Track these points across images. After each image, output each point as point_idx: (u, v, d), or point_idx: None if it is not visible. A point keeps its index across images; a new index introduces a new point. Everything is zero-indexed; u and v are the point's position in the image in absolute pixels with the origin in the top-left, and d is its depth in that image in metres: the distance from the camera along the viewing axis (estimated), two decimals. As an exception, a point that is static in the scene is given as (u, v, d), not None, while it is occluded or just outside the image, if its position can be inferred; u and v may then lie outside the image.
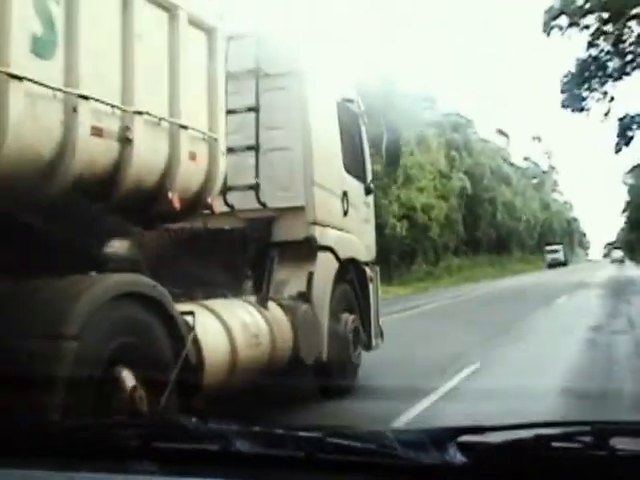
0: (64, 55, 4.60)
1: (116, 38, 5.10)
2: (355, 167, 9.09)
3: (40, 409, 4.14)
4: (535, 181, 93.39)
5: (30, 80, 4.31)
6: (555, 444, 1.75)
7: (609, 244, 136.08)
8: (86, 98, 4.71)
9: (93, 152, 4.82)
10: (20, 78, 4.24)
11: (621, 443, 1.73)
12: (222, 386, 6.07)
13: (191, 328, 5.56)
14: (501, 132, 79.83)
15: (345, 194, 8.68)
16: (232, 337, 6.23)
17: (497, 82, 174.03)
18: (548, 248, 75.78)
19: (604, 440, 1.73)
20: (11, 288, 4.64)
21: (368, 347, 8.85)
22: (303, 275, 7.86)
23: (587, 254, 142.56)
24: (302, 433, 1.95)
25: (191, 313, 5.63)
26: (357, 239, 8.87)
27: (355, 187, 9.05)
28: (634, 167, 59.67)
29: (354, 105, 9.34)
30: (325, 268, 8.03)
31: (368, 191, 9.46)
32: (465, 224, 51.49)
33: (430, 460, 1.74)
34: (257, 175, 7.91)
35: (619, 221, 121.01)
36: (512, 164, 77.94)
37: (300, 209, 7.96)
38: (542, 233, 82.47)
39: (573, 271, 55.58)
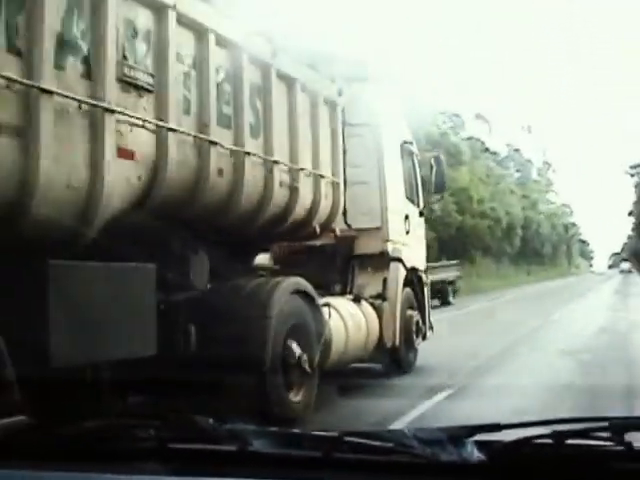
0: (264, 135, 7.07)
1: (286, 117, 7.56)
2: (412, 195, 11.56)
3: (254, 361, 6.60)
4: (516, 174, 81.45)
5: (254, 155, 6.79)
6: (571, 441, 1.76)
7: (615, 254, 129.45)
8: (277, 163, 7.20)
9: (278, 198, 7.29)
10: (248, 153, 6.71)
11: (638, 439, 1.73)
12: (338, 360, 8.52)
13: (328, 316, 8.04)
14: (480, 116, 68.07)
15: (407, 217, 11.15)
16: (346, 324, 8.70)
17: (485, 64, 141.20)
18: None
19: (621, 436, 1.72)
20: (224, 284, 7.08)
21: (424, 337, 11.31)
22: (379, 280, 10.31)
23: (591, 265, 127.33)
24: (319, 433, 1.96)
25: (327, 305, 8.11)
26: (416, 252, 11.34)
27: (413, 211, 11.52)
28: None
29: (411, 145, 11.81)
30: (396, 275, 10.48)
31: (421, 214, 11.93)
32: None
33: (447, 458, 1.77)
34: (345, 203, 10.34)
35: (626, 228, 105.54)
36: (487, 149, 66.39)
37: (377, 229, 10.41)
38: (525, 238, 65.86)
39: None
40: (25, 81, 4.42)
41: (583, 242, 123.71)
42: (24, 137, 4.41)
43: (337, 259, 10.16)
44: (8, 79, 4.32)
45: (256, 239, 7.64)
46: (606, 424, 1.78)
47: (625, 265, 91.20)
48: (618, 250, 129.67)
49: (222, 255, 6.89)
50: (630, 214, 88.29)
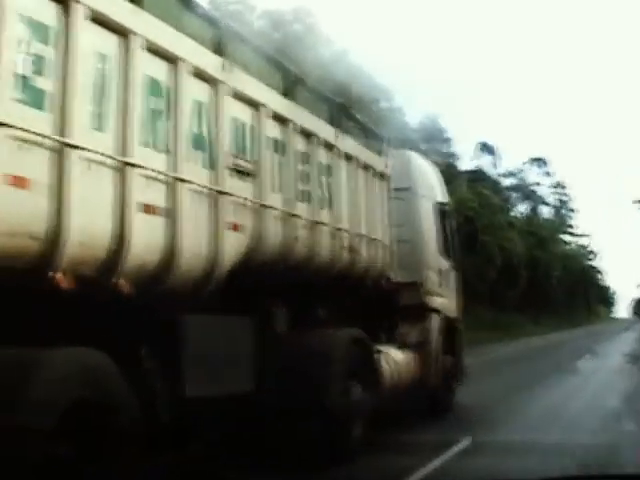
0: (332, 207, 8.38)
1: (347, 190, 8.88)
2: (446, 251, 12.84)
3: (320, 401, 7.83)
4: (522, 208, 74.58)
5: (325, 224, 8.09)
6: None
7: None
8: (341, 230, 8.52)
9: (341, 259, 8.59)
10: (320, 223, 8.02)
11: None
12: (388, 399, 9.75)
13: (380, 361, 9.30)
14: (485, 147, 67.48)
15: (442, 271, 12.43)
16: (394, 368, 9.96)
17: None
18: None
19: None
20: (297, 333, 8.34)
21: (460, 381, 12.53)
22: (420, 329, 11.56)
23: (611, 311, 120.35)
24: None
25: (379, 351, 9.37)
26: (451, 303, 12.60)
27: (447, 265, 12.79)
28: None
29: (445, 206, 13.12)
30: (434, 324, 11.74)
31: (455, 268, 13.20)
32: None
33: None
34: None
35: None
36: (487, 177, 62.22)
37: (416, 283, 11.68)
38: (533, 281, 55.94)
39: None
40: (172, 174, 5.76)
41: (603, 287, 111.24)
42: (171, 218, 5.72)
43: (383, 310, 11.41)
44: (183, 180, 5.74)
45: (321, 294, 8.90)
46: None
47: None
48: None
49: (295, 308, 8.17)
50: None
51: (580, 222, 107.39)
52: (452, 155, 55.27)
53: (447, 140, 56.39)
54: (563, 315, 67.84)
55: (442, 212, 12.99)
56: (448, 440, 9.19)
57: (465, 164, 59.54)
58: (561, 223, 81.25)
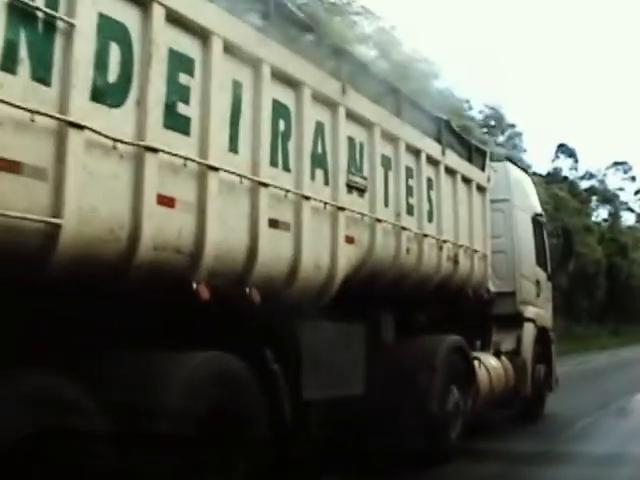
0: (436, 219, 8.75)
1: (451, 203, 9.23)
2: (541, 261, 13.06)
3: (423, 403, 8.20)
4: (601, 211, 67.61)
5: (430, 236, 8.46)
6: None
7: None
8: (446, 242, 8.88)
9: (444, 269, 8.94)
10: (426, 235, 8.39)
11: None
12: (483, 404, 10.06)
13: (478, 367, 9.62)
14: (564, 148, 62.30)
15: (538, 281, 12.66)
16: (490, 375, 10.26)
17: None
18: None
19: None
20: (401, 340, 8.72)
21: (551, 389, 12.74)
22: (514, 337, 11.83)
23: None
24: None
25: (477, 358, 9.69)
26: (545, 313, 12.83)
27: (542, 276, 13.02)
28: None
29: (541, 217, 13.34)
30: (528, 333, 11.99)
31: (549, 278, 13.41)
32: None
33: None
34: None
35: None
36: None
37: (512, 293, 11.95)
38: (613, 290, 51.61)
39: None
40: (296, 191, 6.23)
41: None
42: (295, 232, 6.19)
43: (480, 319, 11.71)
44: (306, 197, 6.30)
45: (424, 303, 9.27)
46: None
47: None
48: None
49: (400, 316, 8.56)
50: None
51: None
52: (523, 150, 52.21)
53: (518, 134, 52.91)
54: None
55: (538, 223, 13.23)
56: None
57: (542, 167, 57.80)
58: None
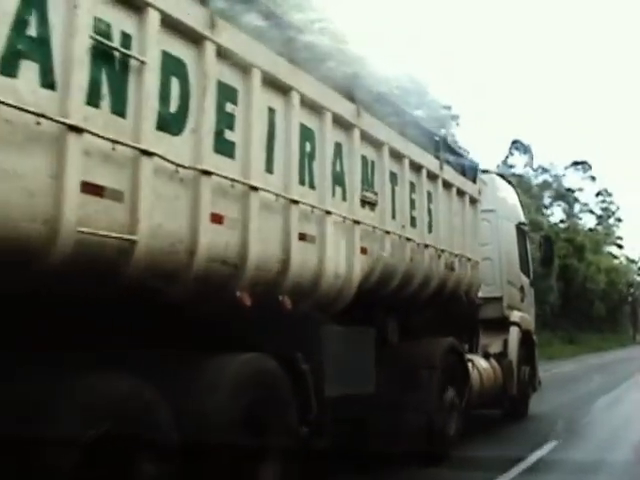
0: (435, 231, 9.39)
1: (447, 215, 9.87)
2: (525, 268, 13.78)
3: (423, 402, 8.83)
4: (556, 208, 65.64)
5: (431, 246, 9.10)
6: None
7: None
8: (444, 251, 9.54)
9: (441, 276, 9.58)
10: (427, 245, 9.03)
11: None
12: (475, 403, 10.72)
13: (471, 368, 10.28)
14: (517, 145, 61.86)
15: (522, 287, 13.38)
16: (481, 375, 10.94)
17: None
18: None
19: None
20: (404, 342, 9.35)
21: (534, 389, 13.44)
22: (501, 340, 12.52)
23: None
24: None
25: (470, 360, 10.35)
26: (528, 316, 13.54)
27: (525, 281, 13.73)
28: None
29: (524, 226, 14.06)
30: (514, 336, 12.70)
31: (531, 284, 14.13)
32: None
33: None
34: (475, 276, 12.58)
35: None
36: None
37: (498, 298, 12.64)
38: (567, 295, 49.74)
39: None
40: (321, 207, 6.83)
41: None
42: (319, 245, 6.79)
43: (469, 322, 12.37)
44: (328, 212, 6.73)
45: (423, 308, 9.90)
46: None
47: None
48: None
49: (402, 320, 9.19)
50: None
51: (628, 234, 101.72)
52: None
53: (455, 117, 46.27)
54: (606, 334, 57.59)
55: (522, 232, 13.95)
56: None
57: (494, 163, 55.17)
58: (606, 233, 71.42)
